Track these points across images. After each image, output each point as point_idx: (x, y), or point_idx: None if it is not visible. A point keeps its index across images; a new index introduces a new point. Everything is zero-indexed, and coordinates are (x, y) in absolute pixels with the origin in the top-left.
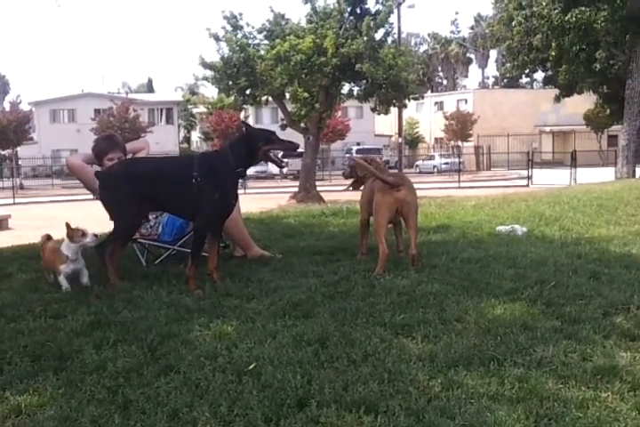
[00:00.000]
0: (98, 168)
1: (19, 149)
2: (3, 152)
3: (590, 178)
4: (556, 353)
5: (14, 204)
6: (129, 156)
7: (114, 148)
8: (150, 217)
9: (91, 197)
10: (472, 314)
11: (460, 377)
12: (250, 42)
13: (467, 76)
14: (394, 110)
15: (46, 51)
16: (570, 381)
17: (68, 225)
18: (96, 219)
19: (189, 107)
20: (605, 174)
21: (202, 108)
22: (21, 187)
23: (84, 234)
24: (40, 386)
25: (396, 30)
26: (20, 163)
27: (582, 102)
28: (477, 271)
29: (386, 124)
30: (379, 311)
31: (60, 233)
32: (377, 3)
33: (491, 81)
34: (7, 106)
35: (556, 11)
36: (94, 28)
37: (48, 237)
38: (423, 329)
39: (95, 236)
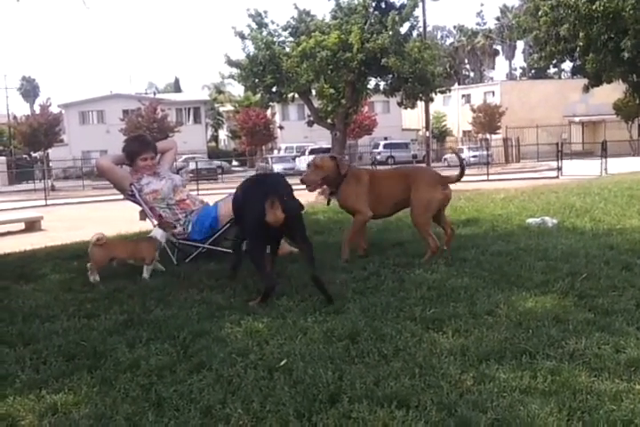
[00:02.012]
0: (127, 168)
1: (49, 150)
2: (34, 154)
3: (621, 168)
4: (588, 345)
5: (46, 205)
6: (158, 155)
7: (146, 148)
8: (180, 216)
9: (121, 197)
10: (503, 307)
11: (492, 371)
12: (275, 39)
13: (494, 68)
14: (420, 104)
15: (74, 53)
16: (603, 373)
17: (160, 216)
18: (126, 218)
19: (216, 105)
20: (637, 164)
21: (229, 107)
22: (53, 188)
23: (174, 226)
24: (75, 385)
25: (421, 24)
26: (50, 165)
27: (611, 91)
28: (508, 264)
29: (413, 118)
30: (409, 306)
31: (91, 234)
32: None
33: (518, 72)
34: (37, 109)
35: (583, 0)
36: (121, 29)
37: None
38: (454, 323)
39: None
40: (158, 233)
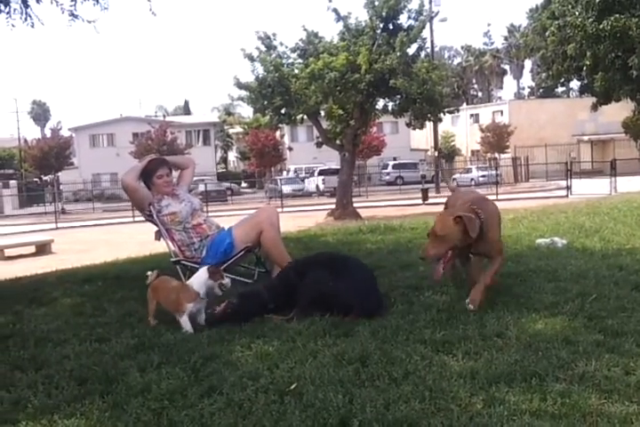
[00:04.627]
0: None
1: (60, 174)
2: (45, 177)
3: (631, 187)
4: (598, 367)
5: (57, 228)
6: (175, 175)
7: (161, 165)
8: (195, 240)
9: (131, 220)
10: (513, 329)
11: (502, 394)
12: (284, 61)
13: (502, 88)
14: (429, 124)
15: (85, 77)
16: (613, 395)
17: (211, 267)
18: (137, 241)
19: (225, 127)
20: None
21: (238, 129)
22: (63, 211)
23: (222, 276)
24: (87, 409)
25: (429, 44)
26: (61, 188)
27: (620, 110)
28: (517, 286)
29: (421, 138)
30: (419, 329)
31: (101, 257)
32: (409, 18)
33: (526, 91)
34: (48, 132)
35: (590, 19)
36: (131, 53)
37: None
38: (464, 346)
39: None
40: (196, 281)
